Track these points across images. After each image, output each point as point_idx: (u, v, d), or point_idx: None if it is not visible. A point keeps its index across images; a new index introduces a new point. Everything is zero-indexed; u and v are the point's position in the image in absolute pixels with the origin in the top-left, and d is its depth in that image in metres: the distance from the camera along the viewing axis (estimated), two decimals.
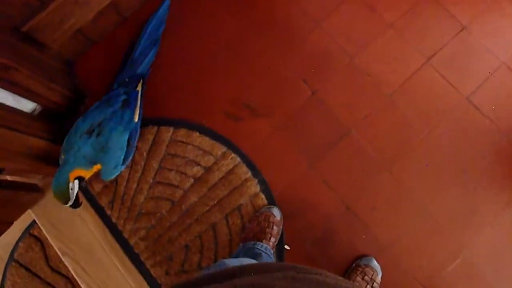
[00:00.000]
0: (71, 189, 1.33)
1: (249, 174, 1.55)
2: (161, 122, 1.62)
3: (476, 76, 1.57)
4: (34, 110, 1.49)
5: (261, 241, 1.39)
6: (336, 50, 1.61)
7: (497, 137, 1.52)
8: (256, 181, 1.55)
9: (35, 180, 1.58)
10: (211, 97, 1.63)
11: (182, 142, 1.59)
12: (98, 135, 1.39)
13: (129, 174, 1.59)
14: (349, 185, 1.53)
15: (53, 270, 1.62)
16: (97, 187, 1.60)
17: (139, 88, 1.55)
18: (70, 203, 1.34)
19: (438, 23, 1.61)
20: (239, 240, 1.51)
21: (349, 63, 1.60)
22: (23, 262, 1.63)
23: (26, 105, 1.45)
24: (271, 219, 1.45)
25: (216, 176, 1.56)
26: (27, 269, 1.62)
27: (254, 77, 1.63)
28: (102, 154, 1.39)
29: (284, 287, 0.49)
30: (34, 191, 1.57)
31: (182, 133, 1.60)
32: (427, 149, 1.53)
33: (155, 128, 1.61)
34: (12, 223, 1.62)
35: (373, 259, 1.46)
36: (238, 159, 1.56)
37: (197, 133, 1.59)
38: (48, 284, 1.61)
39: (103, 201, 1.59)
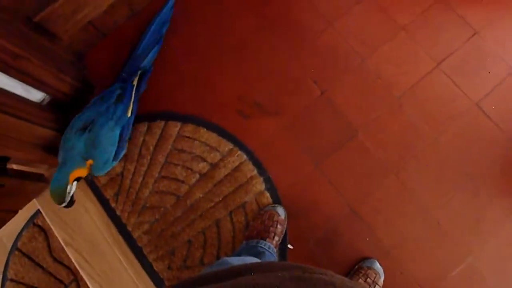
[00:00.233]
0: (69, 192, 1.33)
1: (255, 172, 1.55)
2: (169, 116, 1.62)
3: (487, 82, 1.56)
4: (43, 100, 1.49)
5: (265, 240, 1.39)
6: (347, 51, 1.60)
7: (505, 144, 1.52)
8: (261, 179, 1.55)
9: (41, 170, 1.59)
10: (220, 94, 1.63)
11: (189, 137, 1.59)
12: (90, 130, 1.38)
13: (135, 167, 1.60)
14: (354, 187, 1.53)
15: (55, 260, 1.63)
16: (103, 180, 1.60)
17: (134, 82, 1.54)
18: (64, 204, 1.35)
19: (450, 27, 1.60)
20: (242, 237, 1.51)
21: (360, 64, 1.59)
22: (26, 251, 1.64)
23: (35, 95, 1.45)
24: (275, 218, 1.45)
25: (222, 172, 1.56)
26: (30, 258, 1.63)
27: (264, 74, 1.62)
28: (93, 149, 1.37)
29: (289, 287, 0.49)
30: (40, 181, 1.57)
31: (189, 128, 1.60)
32: (434, 154, 1.52)
33: (163, 122, 1.62)
34: (17, 212, 1.63)
35: (376, 261, 1.45)
36: (245, 156, 1.56)
37: (205, 129, 1.59)
38: (50, 274, 1.62)
39: (108, 194, 1.59)
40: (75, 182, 1.35)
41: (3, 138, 1.26)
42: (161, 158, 1.59)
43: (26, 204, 1.62)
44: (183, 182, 1.57)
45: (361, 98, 1.58)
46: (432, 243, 1.48)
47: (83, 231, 1.59)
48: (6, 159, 1.36)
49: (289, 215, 1.51)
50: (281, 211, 1.48)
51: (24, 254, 1.64)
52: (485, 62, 1.58)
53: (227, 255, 1.50)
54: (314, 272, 0.55)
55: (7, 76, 1.26)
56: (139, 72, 1.57)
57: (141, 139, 1.61)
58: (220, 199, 1.55)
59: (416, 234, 1.49)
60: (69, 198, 1.34)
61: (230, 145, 1.57)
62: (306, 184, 1.54)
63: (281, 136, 1.58)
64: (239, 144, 1.57)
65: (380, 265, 1.45)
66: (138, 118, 1.62)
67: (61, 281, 1.61)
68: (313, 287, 0.51)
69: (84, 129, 1.39)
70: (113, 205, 1.59)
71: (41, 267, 1.63)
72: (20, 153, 1.38)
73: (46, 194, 1.61)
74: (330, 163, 1.55)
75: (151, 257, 1.55)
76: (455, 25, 1.60)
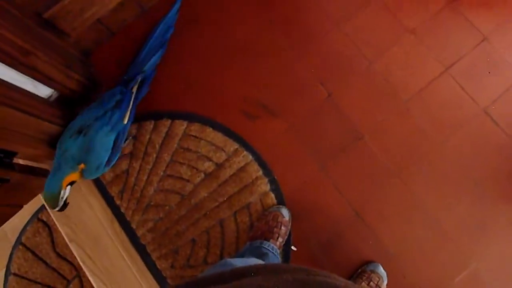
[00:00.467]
0: (62, 197, 1.34)
1: (260, 172, 1.55)
2: (175, 115, 1.62)
3: (495, 88, 1.55)
4: (51, 96, 1.50)
5: (269, 241, 1.39)
6: (355, 53, 1.60)
7: None
8: (266, 180, 1.55)
9: (46, 165, 1.59)
10: (227, 94, 1.63)
11: (195, 136, 1.60)
12: (85, 134, 1.38)
13: (140, 165, 1.60)
14: (359, 190, 1.53)
15: (58, 255, 1.63)
16: (108, 176, 1.61)
17: (134, 89, 1.53)
18: (57, 209, 1.36)
19: (459, 32, 1.59)
20: (246, 238, 1.51)
21: (367, 67, 1.59)
22: (30, 246, 1.64)
23: (43, 91, 1.46)
24: (279, 219, 1.45)
25: (227, 172, 1.56)
26: (33, 253, 1.64)
27: (271, 76, 1.62)
28: (86, 154, 1.37)
29: None
30: (45, 176, 1.57)
31: (195, 127, 1.60)
32: (440, 158, 1.52)
33: (169, 121, 1.62)
34: (21, 206, 1.64)
35: (380, 265, 1.45)
36: (250, 157, 1.56)
37: (211, 129, 1.59)
38: (53, 269, 1.62)
39: (113, 191, 1.60)
40: (68, 187, 1.36)
41: (11, 133, 1.27)
42: (166, 157, 1.59)
43: (31, 199, 1.63)
44: (188, 181, 1.57)
45: (367, 101, 1.57)
46: (436, 248, 1.48)
47: (87, 227, 1.60)
48: (13, 154, 1.36)
49: (293, 216, 1.51)
50: (285, 212, 1.48)
51: (27, 248, 1.64)
52: (493, 68, 1.57)
53: (230, 255, 1.51)
54: (318, 275, 0.55)
55: (17, 72, 1.27)
56: (139, 79, 1.55)
57: (147, 137, 1.61)
58: (225, 199, 1.55)
59: (420, 239, 1.48)
60: (62, 203, 1.35)
61: (236, 145, 1.57)
62: (311, 186, 1.54)
63: (287, 138, 1.58)
64: (245, 144, 1.57)
65: (384, 269, 1.44)
66: (144, 116, 1.63)
67: (64, 277, 1.62)
68: None
69: (79, 132, 1.38)
70: (117, 202, 1.59)
71: (44, 262, 1.63)
72: (27, 149, 1.38)
73: None
74: (335, 165, 1.54)
75: (154, 255, 1.55)
76: (464, 30, 1.59)
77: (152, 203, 1.58)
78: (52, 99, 1.50)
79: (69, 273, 1.62)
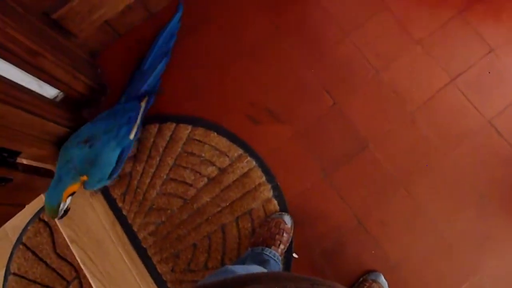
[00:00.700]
0: (62, 209, 1.34)
1: (264, 179, 1.55)
2: (180, 119, 1.62)
3: (501, 100, 1.55)
4: (56, 96, 1.50)
5: (270, 247, 1.38)
6: (362, 62, 1.60)
7: None
8: (269, 186, 1.54)
9: (50, 166, 1.59)
10: (232, 99, 1.63)
11: (199, 141, 1.59)
12: (90, 146, 1.38)
13: (144, 168, 1.60)
14: (362, 199, 1.52)
15: (59, 256, 1.63)
16: None
17: (143, 103, 1.53)
18: (56, 219, 1.37)
19: (466, 43, 1.60)
20: (247, 243, 1.51)
21: (374, 77, 1.59)
22: (30, 245, 1.64)
23: (49, 92, 1.46)
24: (281, 226, 1.45)
25: (230, 178, 1.56)
26: (33, 253, 1.63)
27: (277, 82, 1.62)
28: (90, 166, 1.37)
29: None
30: (48, 177, 1.57)
31: (200, 132, 1.60)
32: (445, 169, 1.51)
33: (174, 124, 1.62)
34: (24, 206, 1.63)
35: (381, 275, 1.44)
36: (254, 163, 1.56)
37: (215, 133, 1.59)
38: (53, 270, 1.62)
39: (116, 193, 1.60)
40: (69, 198, 1.36)
41: (15, 132, 1.27)
42: (170, 160, 1.59)
43: (34, 199, 1.62)
44: (191, 185, 1.57)
45: (373, 110, 1.57)
46: (439, 259, 1.47)
47: (88, 229, 1.59)
48: (16, 154, 1.36)
49: (295, 224, 1.51)
50: (288, 219, 1.48)
51: (28, 248, 1.64)
52: (500, 80, 1.57)
53: (231, 261, 1.50)
54: (322, 285, 0.54)
55: (23, 72, 1.27)
56: (146, 94, 1.55)
57: (151, 140, 1.61)
58: (227, 204, 1.55)
59: (423, 249, 1.48)
60: (62, 213, 1.35)
61: (240, 151, 1.57)
62: (314, 193, 1.53)
63: (291, 144, 1.57)
64: (249, 150, 1.57)
65: (385, 278, 1.44)
66: (149, 119, 1.63)
67: (63, 278, 1.61)
68: None
69: (86, 142, 1.38)
70: (120, 204, 1.59)
71: (45, 262, 1.63)
72: (31, 148, 1.38)
73: None
74: (339, 174, 1.54)
75: (155, 259, 1.55)
76: (472, 41, 1.59)
77: (154, 207, 1.57)
78: (58, 99, 1.50)
79: (69, 274, 1.61)
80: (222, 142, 1.58)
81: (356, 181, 1.54)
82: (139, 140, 1.61)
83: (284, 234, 1.43)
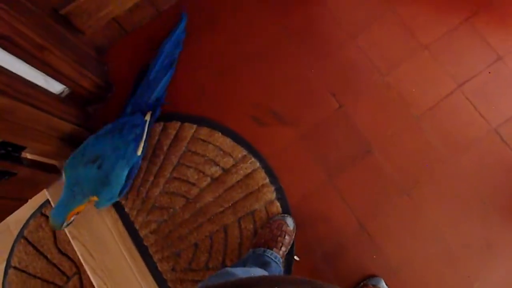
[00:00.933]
0: (65, 226, 1.37)
1: (267, 180, 1.54)
2: (185, 118, 1.62)
3: (507, 107, 1.55)
4: (62, 92, 1.50)
5: (272, 249, 1.38)
6: (368, 66, 1.60)
7: None
8: (273, 188, 1.54)
9: (54, 161, 1.59)
10: (238, 99, 1.63)
11: (204, 140, 1.59)
12: (99, 167, 1.37)
13: (147, 166, 1.60)
14: (365, 203, 1.52)
15: (60, 251, 1.63)
16: None
17: (147, 117, 1.51)
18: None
19: (473, 50, 1.59)
20: (249, 245, 1.50)
21: (380, 81, 1.59)
22: (31, 240, 1.64)
23: (55, 87, 1.46)
24: (284, 228, 1.44)
25: (233, 178, 1.56)
26: (34, 247, 1.64)
27: (283, 84, 1.62)
28: (101, 187, 1.38)
29: None
30: (52, 172, 1.58)
31: (204, 131, 1.60)
32: (449, 176, 1.51)
33: (178, 123, 1.62)
34: (26, 200, 1.63)
35: (382, 280, 1.44)
36: (258, 164, 1.56)
37: (219, 134, 1.59)
38: (54, 265, 1.62)
39: None
40: (74, 217, 1.38)
41: (20, 127, 1.27)
42: (174, 159, 1.59)
43: (37, 193, 1.63)
44: (194, 184, 1.57)
45: (378, 114, 1.57)
46: (441, 265, 1.46)
47: (90, 225, 1.59)
48: (21, 148, 1.36)
49: (297, 226, 1.50)
50: (290, 221, 1.47)
51: (29, 242, 1.64)
52: (506, 87, 1.56)
53: (232, 262, 1.50)
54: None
55: (30, 67, 1.27)
56: (151, 107, 1.54)
57: (156, 138, 1.61)
58: (230, 204, 1.54)
59: (424, 255, 1.47)
60: (65, 227, 1.37)
61: (244, 152, 1.57)
62: (317, 196, 1.53)
63: (296, 147, 1.57)
64: (253, 151, 1.57)
65: (386, 284, 1.43)
66: None
67: (64, 273, 1.62)
68: None
69: (94, 162, 1.38)
70: (122, 202, 1.59)
71: (45, 257, 1.63)
72: (36, 143, 1.38)
73: (57, 185, 1.62)
74: (343, 177, 1.54)
75: (156, 257, 1.54)
76: (479, 48, 1.59)
77: (156, 205, 1.57)
78: (63, 95, 1.50)
79: (69, 269, 1.62)
80: (226, 143, 1.58)
81: (359, 185, 1.53)
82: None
83: (286, 236, 1.43)
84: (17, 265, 1.63)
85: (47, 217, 1.64)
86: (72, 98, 1.52)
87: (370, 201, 1.52)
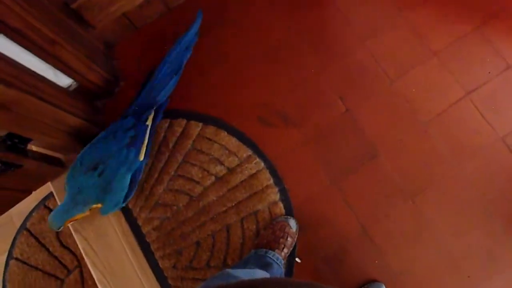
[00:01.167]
0: (61, 229, 1.39)
1: (271, 181, 1.54)
2: (191, 116, 1.62)
3: None
4: (70, 86, 1.51)
5: (274, 250, 1.38)
6: (377, 71, 1.59)
7: None
8: (277, 189, 1.54)
9: (59, 154, 1.60)
10: (245, 100, 1.63)
11: (209, 139, 1.59)
12: (100, 174, 1.37)
13: (152, 162, 1.60)
14: (369, 208, 1.51)
15: (62, 244, 1.63)
16: None
17: (149, 122, 1.49)
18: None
19: (483, 58, 1.58)
20: (251, 245, 1.51)
21: (388, 86, 1.58)
22: (34, 232, 1.65)
23: (64, 80, 1.46)
24: (286, 230, 1.44)
25: (238, 178, 1.55)
26: (37, 239, 1.64)
27: (291, 86, 1.62)
28: (103, 195, 1.38)
29: None
30: (57, 165, 1.58)
31: (210, 130, 1.60)
32: (455, 184, 1.50)
33: (185, 121, 1.62)
34: (30, 192, 1.64)
35: (383, 285, 1.44)
36: (262, 164, 1.56)
37: (225, 133, 1.59)
38: (55, 257, 1.62)
39: None
40: (71, 223, 1.40)
41: (28, 119, 1.28)
42: (179, 157, 1.59)
43: (41, 186, 1.63)
44: (198, 183, 1.57)
45: (385, 119, 1.56)
46: (442, 273, 1.46)
47: (93, 219, 1.58)
48: (27, 140, 1.37)
49: (300, 228, 1.50)
50: (293, 223, 1.47)
51: (31, 234, 1.64)
52: None
53: (234, 261, 1.50)
54: None
55: (40, 60, 1.27)
56: (152, 112, 1.50)
57: (162, 135, 1.61)
58: (233, 204, 1.54)
59: (426, 263, 1.47)
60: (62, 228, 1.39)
61: (249, 152, 1.57)
62: (321, 199, 1.53)
63: (301, 149, 1.57)
64: (258, 151, 1.57)
65: None
66: None
67: (65, 266, 1.62)
68: None
69: (94, 169, 1.38)
70: None
71: (47, 249, 1.63)
72: (42, 136, 1.38)
73: (61, 178, 1.61)
74: (347, 181, 1.53)
75: (157, 254, 1.55)
76: (489, 57, 1.58)
77: (160, 202, 1.58)
78: (71, 89, 1.50)
79: (71, 263, 1.62)
80: (232, 142, 1.58)
81: (363, 189, 1.53)
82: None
83: (289, 238, 1.43)
84: (18, 256, 1.63)
85: (50, 209, 1.64)
86: (80, 92, 1.52)
87: (373, 205, 1.52)
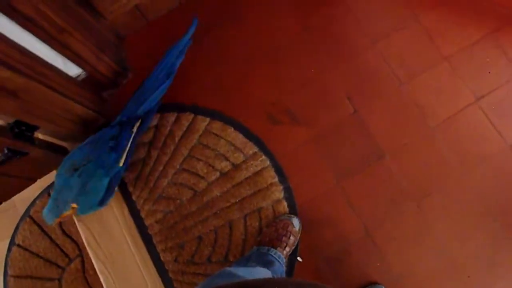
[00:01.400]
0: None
1: (276, 179, 1.54)
2: (199, 111, 1.62)
3: None
4: (79, 75, 1.50)
5: (276, 248, 1.38)
6: (387, 73, 1.58)
7: None
8: (281, 187, 1.54)
9: (65, 143, 1.60)
10: (253, 96, 1.62)
11: (216, 134, 1.59)
12: (80, 175, 1.38)
13: (158, 155, 1.60)
14: (373, 210, 1.51)
15: (64, 233, 1.64)
16: None
17: (134, 129, 1.48)
18: None
19: (494, 65, 1.57)
20: (253, 242, 1.50)
21: (398, 88, 1.57)
22: (37, 219, 1.65)
23: (72, 70, 1.46)
24: (289, 228, 1.44)
25: (243, 174, 1.55)
26: (39, 227, 1.65)
27: (300, 84, 1.61)
28: (79, 195, 1.38)
29: None
30: (63, 154, 1.58)
31: (217, 125, 1.59)
32: (460, 189, 1.49)
33: (192, 115, 1.61)
34: (35, 180, 1.64)
35: None
36: (268, 162, 1.55)
37: (232, 129, 1.59)
38: (57, 245, 1.63)
39: (127, 178, 1.60)
40: (62, 218, 1.41)
41: (35, 107, 1.28)
42: (184, 151, 1.59)
43: (46, 174, 1.63)
44: (202, 178, 1.57)
45: (393, 122, 1.55)
46: (442, 279, 1.46)
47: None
48: (34, 128, 1.37)
49: (303, 227, 1.50)
50: (296, 222, 1.47)
51: (34, 221, 1.65)
52: None
53: (235, 258, 1.50)
54: None
55: (50, 48, 1.27)
56: (138, 122, 1.49)
57: (168, 128, 1.61)
58: (237, 200, 1.54)
59: (428, 267, 1.47)
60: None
61: (255, 149, 1.57)
62: (325, 199, 1.53)
63: (307, 148, 1.56)
64: (264, 149, 1.56)
65: None
66: (168, 107, 1.62)
67: (66, 255, 1.62)
68: None
69: (75, 170, 1.39)
70: (130, 189, 1.59)
71: (49, 237, 1.64)
72: (50, 124, 1.38)
73: None
74: (352, 182, 1.53)
75: (159, 247, 1.55)
76: (500, 63, 1.57)
77: (164, 195, 1.58)
78: (79, 79, 1.50)
79: (72, 251, 1.63)
80: (238, 138, 1.58)
81: (368, 191, 1.53)
82: (157, 126, 1.61)
83: (291, 237, 1.43)
84: (21, 243, 1.64)
85: None
86: (88, 82, 1.52)
87: (378, 208, 1.51)
